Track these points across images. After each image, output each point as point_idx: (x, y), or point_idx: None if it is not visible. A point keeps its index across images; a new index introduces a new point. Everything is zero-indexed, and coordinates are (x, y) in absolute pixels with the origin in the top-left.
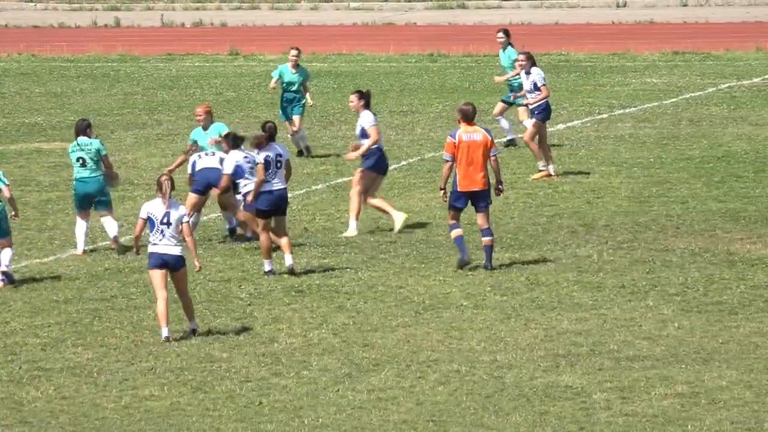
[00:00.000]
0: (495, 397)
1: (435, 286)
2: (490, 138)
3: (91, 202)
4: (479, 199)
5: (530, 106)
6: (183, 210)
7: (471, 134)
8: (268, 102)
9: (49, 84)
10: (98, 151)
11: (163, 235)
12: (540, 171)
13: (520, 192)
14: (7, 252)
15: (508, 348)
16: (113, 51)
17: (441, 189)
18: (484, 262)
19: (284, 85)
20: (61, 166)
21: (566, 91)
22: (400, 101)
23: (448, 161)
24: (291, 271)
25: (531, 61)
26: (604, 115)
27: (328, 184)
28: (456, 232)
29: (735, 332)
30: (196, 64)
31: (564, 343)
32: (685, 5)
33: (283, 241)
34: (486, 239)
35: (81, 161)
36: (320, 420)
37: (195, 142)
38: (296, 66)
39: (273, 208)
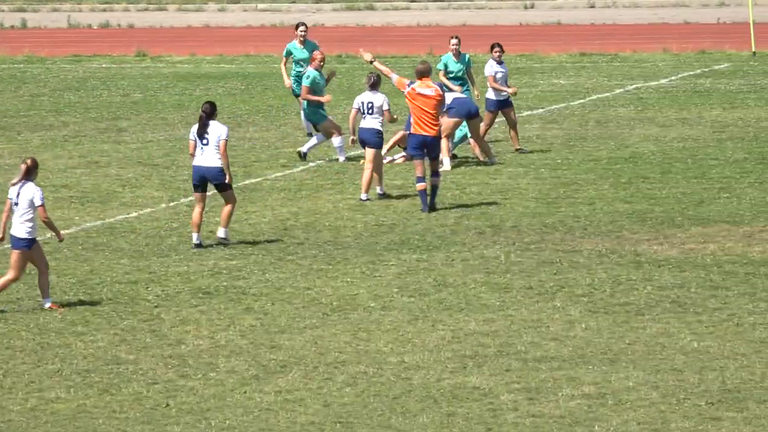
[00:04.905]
0: (402, 399)
1: (342, 287)
2: None
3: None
4: None
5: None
6: (32, 192)
7: None
8: (175, 103)
9: None
10: None
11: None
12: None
13: None
14: None
15: (415, 349)
16: (19, 52)
17: None
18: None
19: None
20: None
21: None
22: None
23: None
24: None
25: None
26: None
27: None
28: None
29: (641, 333)
30: (103, 65)
31: (471, 344)
32: (592, 6)
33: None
34: None
35: None
36: (227, 422)
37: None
38: (303, 42)
39: (199, 182)
